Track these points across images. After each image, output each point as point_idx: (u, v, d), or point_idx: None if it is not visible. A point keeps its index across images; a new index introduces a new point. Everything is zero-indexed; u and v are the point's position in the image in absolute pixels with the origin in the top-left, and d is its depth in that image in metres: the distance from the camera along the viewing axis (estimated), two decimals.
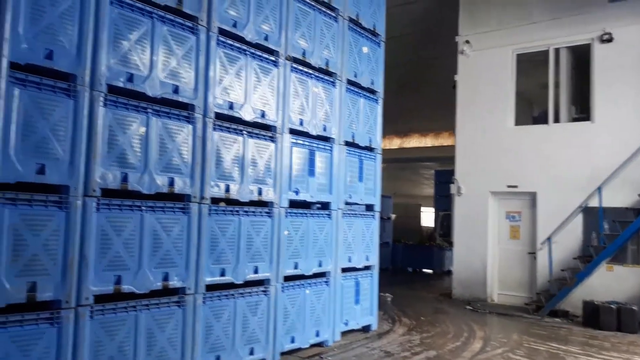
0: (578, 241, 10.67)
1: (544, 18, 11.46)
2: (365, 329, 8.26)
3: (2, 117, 3.89)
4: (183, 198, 5.34)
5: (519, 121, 12.00)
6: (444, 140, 22.42)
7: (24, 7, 4.02)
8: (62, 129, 4.31)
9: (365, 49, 8.30)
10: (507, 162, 11.69)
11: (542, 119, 11.99)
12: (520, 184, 11.51)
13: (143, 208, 4.90)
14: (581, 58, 11.42)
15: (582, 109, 11.63)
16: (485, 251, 11.93)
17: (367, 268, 8.29)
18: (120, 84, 4.76)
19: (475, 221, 12.06)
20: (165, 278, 5.10)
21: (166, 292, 5.13)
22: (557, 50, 11.46)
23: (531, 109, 13.70)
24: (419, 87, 17.51)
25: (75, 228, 4.36)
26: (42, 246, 4.15)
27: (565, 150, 10.98)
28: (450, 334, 8.51)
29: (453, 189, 12.53)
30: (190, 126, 5.40)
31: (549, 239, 10.84)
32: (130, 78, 4.84)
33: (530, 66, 12.24)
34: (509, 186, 11.65)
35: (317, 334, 7.09)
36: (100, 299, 4.54)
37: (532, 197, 11.43)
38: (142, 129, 4.93)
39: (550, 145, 11.19)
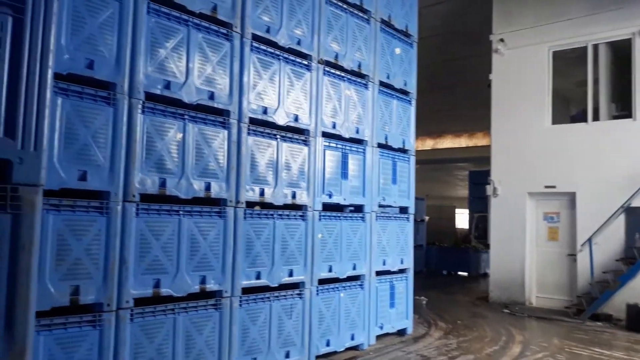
0: (620, 242, 10.32)
1: (582, 14, 11.16)
2: (401, 332, 8.19)
3: (47, 126, 4.01)
4: (219, 202, 5.42)
5: (556, 120, 11.71)
6: (478, 141, 22.08)
7: (66, 19, 4.17)
8: (102, 136, 4.43)
9: (397, 50, 8.25)
10: (545, 162, 11.42)
11: (580, 118, 11.67)
12: (559, 184, 11.23)
13: (181, 212, 4.98)
14: (621, 54, 11.07)
15: (622, 107, 11.26)
16: (523, 253, 11.68)
17: (401, 271, 8.22)
18: (158, 92, 4.86)
19: (512, 223, 11.82)
20: (203, 281, 5.18)
21: (203, 295, 5.21)
22: (595, 47, 11.14)
23: (568, 108, 13.35)
24: (452, 87, 17.30)
25: (116, 232, 4.47)
26: (85, 250, 4.27)
27: (605, 149, 10.65)
28: (487, 338, 8.36)
29: (489, 190, 12.31)
30: (225, 131, 5.47)
31: (589, 240, 10.53)
32: (168, 85, 4.94)
33: (567, 63, 11.94)
34: (547, 186, 11.38)
35: (352, 338, 7.07)
36: (139, 302, 4.64)
37: (571, 198, 11.13)
38: (179, 135, 5.02)
39: (590, 144, 10.88)
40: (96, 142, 4.39)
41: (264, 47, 5.94)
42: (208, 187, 5.28)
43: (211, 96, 5.35)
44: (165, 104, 4.92)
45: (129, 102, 4.61)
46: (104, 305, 4.36)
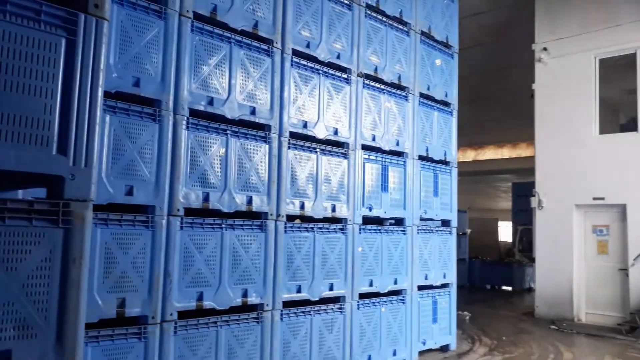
0: None
1: (631, 19, 10.79)
2: (444, 348, 8.01)
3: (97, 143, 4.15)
4: (260, 216, 5.46)
5: (604, 129, 11.32)
6: (521, 152, 21.56)
7: (114, 39, 4.33)
8: (148, 152, 4.55)
9: (438, 62, 8.18)
10: (593, 173, 11.03)
11: (630, 127, 11.25)
12: (608, 195, 10.81)
13: (223, 226, 5.04)
14: None
15: None
16: (571, 267, 11.27)
17: (444, 286, 8.06)
18: (201, 108, 4.97)
19: (559, 236, 11.43)
20: (244, 294, 5.21)
21: (245, 308, 5.24)
22: None
23: (617, 116, 12.90)
24: (494, 98, 17.00)
25: (161, 246, 4.56)
26: (131, 264, 4.37)
27: None
28: (534, 355, 8.08)
29: (533, 202, 11.97)
30: (266, 146, 5.53)
31: None
32: (211, 101, 5.04)
33: (615, 71, 11.54)
34: (595, 198, 10.98)
35: (394, 353, 6.96)
36: (183, 314, 4.70)
37: (622, 210, 10.70)
38: (222, 150, 5.10)
39: None
40: (142, 157, 4.51)
41: (304, 62, 6.00)
42: (250, 201, 5.33)
43: (253, 111, 5.43)
44: (208, 119, 5.01)
45: (173, 119, 4.73)
46: (149, 317, 4.44)
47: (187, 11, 4.88)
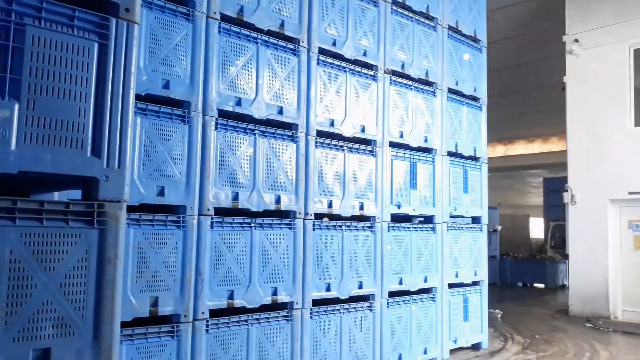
0: None
1: None
2: (475, 347, 7.91)
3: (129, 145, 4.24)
4: (289, 214, 5.48)
5: (639, 121, 11.00)
6: (553, 146, 21.11)
7: (144, 42, 4.40)
8: (178, 153, 4.61)
9: (466, 56, 8.06)
10: (628, 167, 10.72)
11: None
12: None
13: (252, 225, 5.08)
14: None
15: None
16: (606, 264, 10.98)
17: (475, 283, 7.96)
18: (230, 108, 5.01)
19: (593, 231, 11.16)
20: (274, 293, 5.24)
21: (275, 306, 5.27)
22: None
23: None
24: (524, 91, 16.69)
25: (192, 245, 4.62)
26: (163, 263, 4.44)
27: None
28: (569, 353, 7.91)
29: (566, 197, 11.71)
30: (294, 145, 5.55)
31: None
32: (239, 102, 5.08)
33: None
34: (631, 192, 10.66)
35: (425, 352, 6.90)
36: (214, 313, 4.75)
37: None
38: (250, 150, 5.14)
39: None
40: (173, 158, 4.57)
41: (330, 60, 5.99)
42: (278, 200, 5.36)
43: (280, 111, 5.45)
44: (236, 120, 5.05)
45: (202, 120, 4.78)
46: (181, 316, 4.50)
47: (214, 13, 4.92)
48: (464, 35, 8.06)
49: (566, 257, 12.59)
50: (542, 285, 17.13)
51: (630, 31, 10.88)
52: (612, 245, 11.02)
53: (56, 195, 3.28)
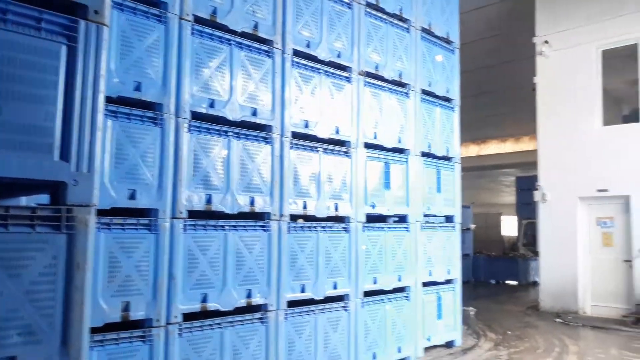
0: None
1: (633, 10, 10.74)
2: (449, 344, 8.02)
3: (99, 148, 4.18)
4: (263, 216, 5.47)
5: (607, 121, 11.30)
6: (524, 145, 21.50)
7: (115, 44, 4.34)
8: (150, 156, 4.56)
9: (439, 58, 8.16)
10: (596, 165, 11.01)
11: (633, 118, 11.23)
12: (612, 187, 10.80)
13: (226, 227, 5.06)
14: None
15: None
16: (575, 260, 11.26)
17: (448, 282, 8.07)
18: (203, 110, 4.98)
19: (563, 229, 11.43)
20: (249, 295, 5.23)
21: (249, 309, 5.25)
22: None
23: (620, 108, 12.87)
24: (496, 92, 16.97)
25: (164, 249, 4.58)
26: (135, 267, 4.39)
27: None
28: (540, 348, 8.08)
29: (537, 195, 11.96)
30: (268, 146, 5.54)
31: None
32: (212, 104, 5.05)
33: (618, 62, 11.50)
34: (599, 190, 10.96)
35: (399, 350, 6.97)
36: (187, 316, 4.72)
37: (626, 201, 10.69)
38: (224, 152, 5.11)
39: None
40: (144, 161, 4.52)
41: (304, 62, 6.00)
42: (252, 202, 5.34)
43: (254, 112, 5.44)
44: (210, 122, 5.02)
45: (175, 122, 4.74)
46: (154, 320, 4.46)
47: (187, 14, 4.89)
48: (437, 37, 8.16)
49: (537, 254, 12.85)
50: (514, 283, 17.45)
51: (598, 33, 11.17)
52: (581, 242, 11.31)
53: (24, 200, 3.22)
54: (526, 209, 19.04)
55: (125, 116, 4.40)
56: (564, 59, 11.65)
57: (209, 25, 5.09)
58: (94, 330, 3.98)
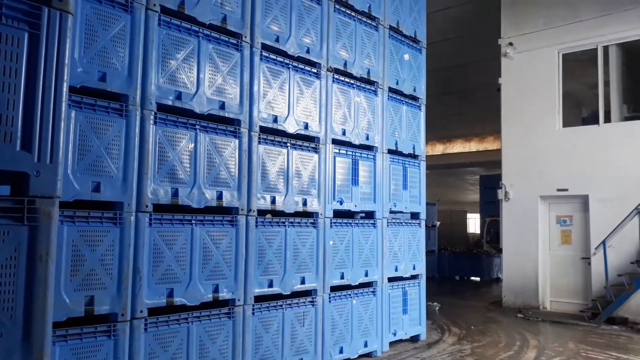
0: (635, 245, 10.22)
1: (592, 15, 11.11)
2: (414, 339, 8.15)
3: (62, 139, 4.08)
4: (231, 211, 5.45)
5: (568, 123, 11.66)
6: (489, 145, 22.01)
7: (79, 33, 4.24)
8: (115, 148, 4.48)
9: (406, 57, 8.27)
10: (556, 165, 11.36)
11: (592, 120, 11.61)
12: (571, 187, 11.15)
13: (193, 222, 5.02)
14: (632, 55, 11.00)
15: (634, 108, 11.19)
16: (536, 257, 11.60)
17: (414, 277, 8.19)
18: (169, 102, 4.92)
19: (525, 227, 11.75)
20: (216, 290, 5.20)
21: (216, 303, 5.23)
22: (605, 48, 11.08)
23: (580, 110, 13.28)
24: (462, 92, 17.29)
25: (129, 243, 4.51)
26: (99, 261, 4.31)
27: (617, 151, 10.58)
28: (502, 343, 8.30)
29: (500, 194, 12.26)
30: (236, 140, 5.51)
31: (603, 243, 10.42)
32: (179, 96, 4.99)
33: (578, 65, 11.88)
34: (559, 190, 11.31)
35: (366, 345, 7.05)
36: (153, 311, 4.66)
37: (584, 201, 11.05)
38: (191, 145, 5.06)
39: (601, 146, 10.81)
40: (109, 153, 4.44)
41: (273, 57, 5.99)
42: (220, 196, 5.31)
43: (222, 106, 5.40)
44: (176, 114, 4.96)
45: (141, 114, 4.66)
46: (119, 315, 4.39)
47: (154, 5, 4.81)
48: (405, 36, 8.26)
49: (501, 251, 13.17)
50: (478, 279, 17.85)
51: (559, 37, 11.50)
52: (542, 240, 11.65)
53: None
54: (490, 207, 19.48)
55: (90, 107, 4.30)
56: (527, 61, 11.96)
57: (177, 16, 5.02)
58: (57, 325, 3.91)
